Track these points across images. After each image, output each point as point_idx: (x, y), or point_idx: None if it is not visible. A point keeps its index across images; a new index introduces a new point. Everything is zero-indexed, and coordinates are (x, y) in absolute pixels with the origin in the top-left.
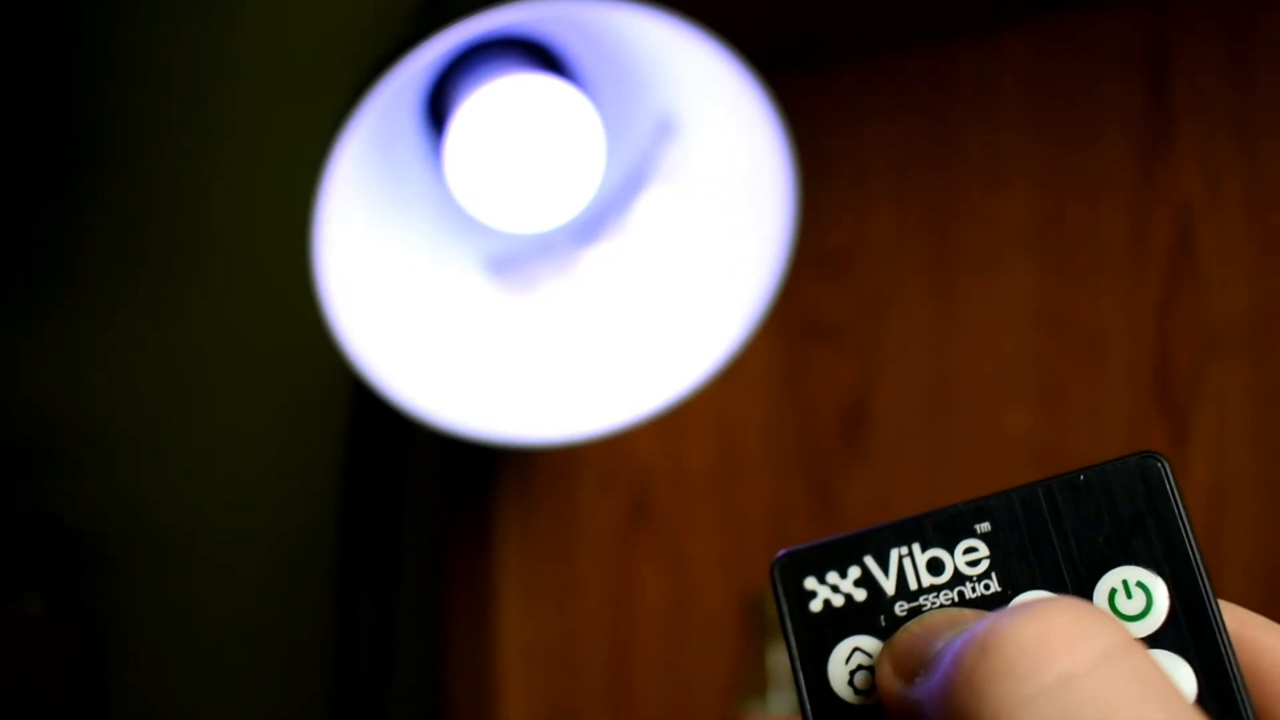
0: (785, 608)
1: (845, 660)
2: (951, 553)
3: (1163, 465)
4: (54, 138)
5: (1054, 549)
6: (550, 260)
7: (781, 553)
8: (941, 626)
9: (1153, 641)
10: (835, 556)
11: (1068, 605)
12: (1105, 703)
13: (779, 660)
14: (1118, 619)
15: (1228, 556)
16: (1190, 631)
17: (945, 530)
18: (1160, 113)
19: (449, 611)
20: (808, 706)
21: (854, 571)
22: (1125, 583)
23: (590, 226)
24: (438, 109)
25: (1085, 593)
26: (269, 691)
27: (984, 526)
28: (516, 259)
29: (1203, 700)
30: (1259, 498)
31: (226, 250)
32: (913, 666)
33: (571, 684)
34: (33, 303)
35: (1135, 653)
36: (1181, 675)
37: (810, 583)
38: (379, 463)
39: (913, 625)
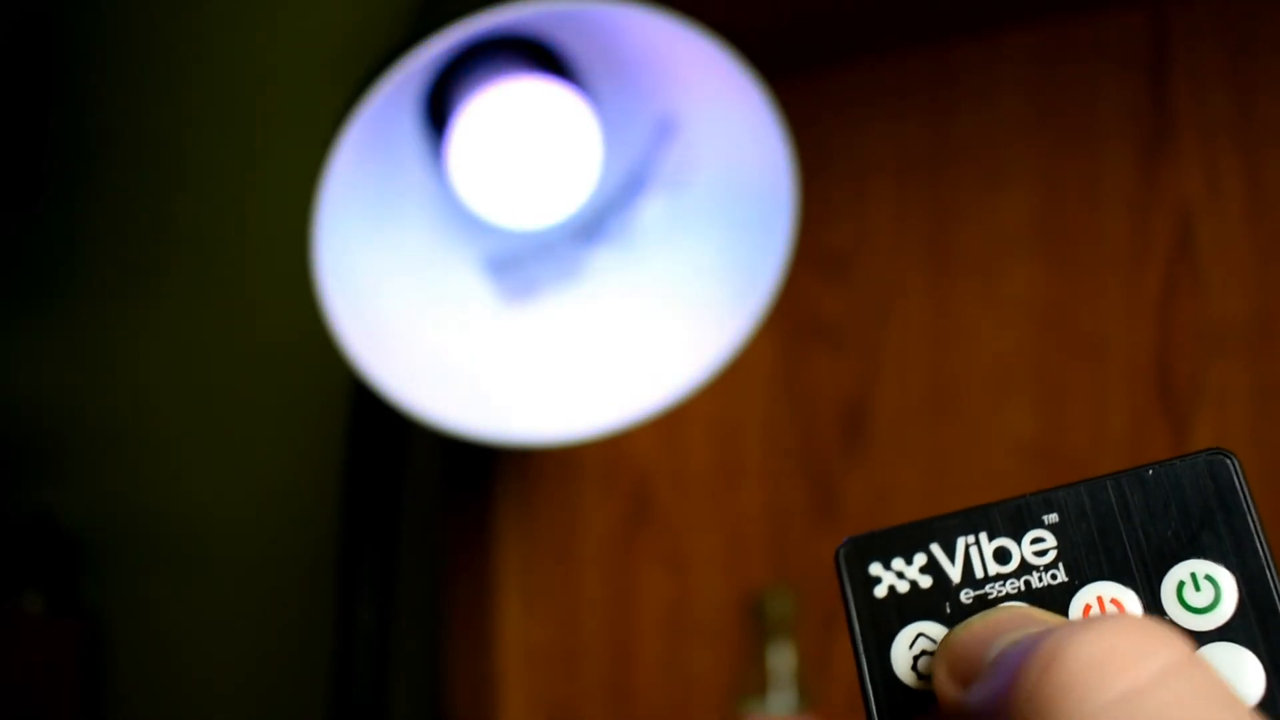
0: (850, 593)
1: (910, 645)
2: (1019, 542)
3: (1232, 462)
4: (55, 140)
5: (1122, 541)
6: (551, 261)
7: (847, 539)
8: (997, 629)
9: (1221, 634)
10: (901, 543)
11: (1130, 621)
12: (1169, 717)
13: (779, 660)
14: (1180, 634)
15: None
16: (1259, 625)
17: (1013, 520)
18: (1160, 114)
19: (449, 611)
20: (870, 691)
21: (920, 559)
22: (1194, 575)
23: (590, 227)
24: (438, 109)
25: (1154, 585)
26: (269, 691)
27: (1052, 518)
28: (517, 260)
29: (1271, 693)
30: (1259, 498)
31: (227, 251)
32: (968, 671)
33: (571, 684)
34: (33, 304)
35: (1198, 667)
36: (1249, 668)
37: (875, 568)
38: (379, 463)
39: (973, 624)
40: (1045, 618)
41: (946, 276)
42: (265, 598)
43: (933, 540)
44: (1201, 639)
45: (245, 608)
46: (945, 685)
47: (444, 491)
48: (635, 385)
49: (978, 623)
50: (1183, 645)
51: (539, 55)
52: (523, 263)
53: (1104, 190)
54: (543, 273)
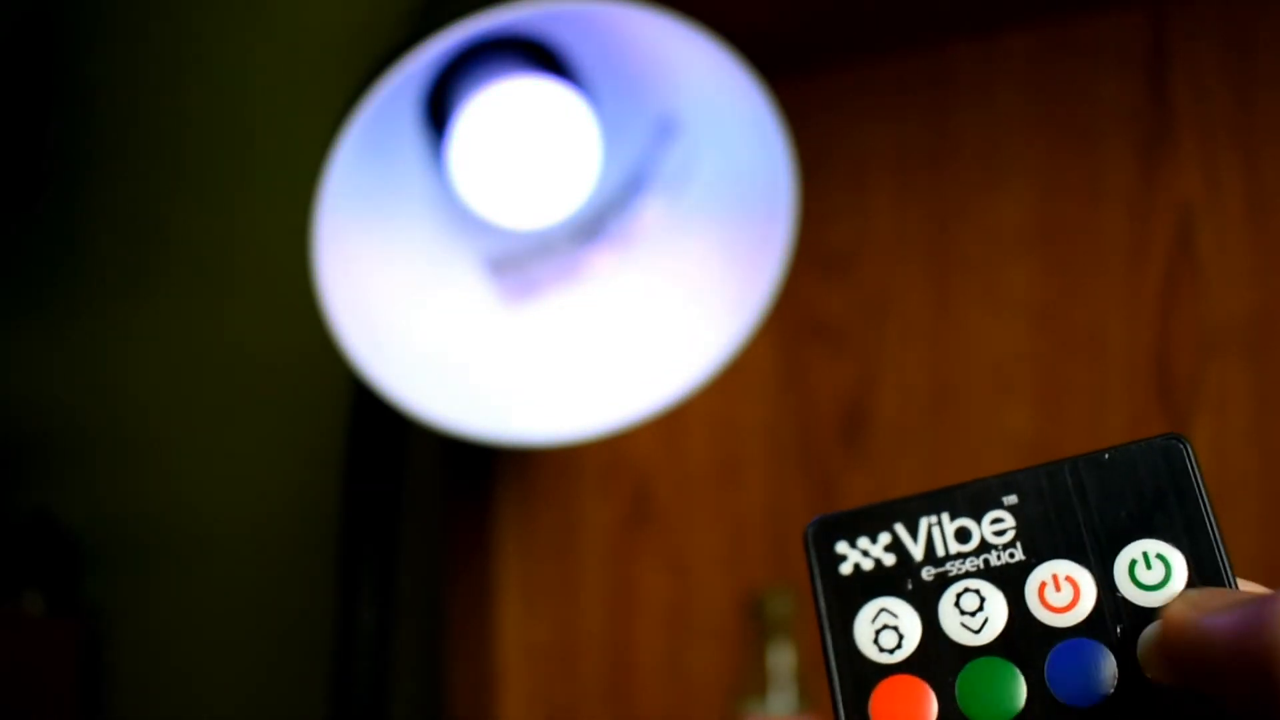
0: (816, 570)
1: (872, 619)
2: (979, 522)
3: (1185, 446)
4: (56, 141)
5: (1077, 521)
6: (551, 261)
7: (815, 518)
8: (1236, 590)
9: None
10: (867, 523)
11: None
12: None
13: (779, 660)
14: None
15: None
16: None
17: (974, 501)
18: (1160, 113)
19: (449, 611)
20: (833, 662)
21: (884, 538)
22: (1145, 554)
23: (590, 227)
24: (438, 109)
25: (1107, 563)
26: (269, 691)
27: (1011, 499)
28: (517, 260)
29: None
30: (1259, 498)
31: (226, 251)
32: (1211, 605)
33: (571, 684)
34: (34, 304)
35: None
36: None
37: (842, 547)
38: (379, 463)
39: (1203, 588)
40: None
41: (946, 276)
42: (265, 598)
43: (897, 520)
44: (1152, 614)
45: (245, 608)
46: (1183, 611)
47: (444, 491)
48: (635, 385)
49: (1221, 588)
50: None
51: (539, 55)
52: (523, 263)
53: (1104, 190)
54: (543, 273)
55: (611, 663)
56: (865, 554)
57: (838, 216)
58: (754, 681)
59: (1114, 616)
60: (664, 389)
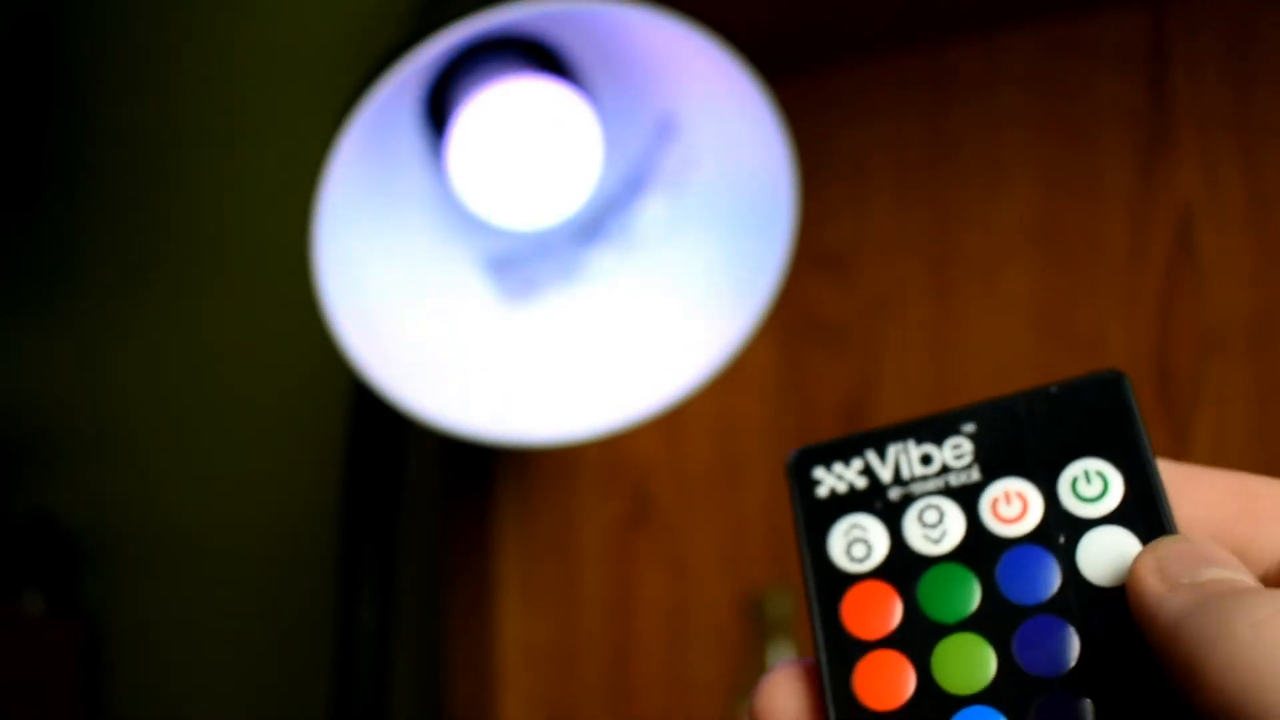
0: (796, 495)
1: (845, 534)
2: (940, 448)
3: (1124, 381)
4: (55, 140)
5: (1027, 445)
6: (551, 261)
7: (796, 450)
8: (1213, 558)
9: (1107, 520)
10: (841, 451)
11: None
12: None
13: (779, 660)
14: None
15: None
16: (1139, 510)
17: (937, 430)
18: (1160, 113)
19: (449, 611)
20: (810, 573)
21: (857, 464)
22: (1086, 472)
23: (590, 227)
24: (438, 109)
25: (1052, 479)
26: (269, 691)
27: (969, 427)
28: (517, 260)
29: None
30: None
31: (226, 251)
32: (1176, 574)
33: (571, 684)
34: (33, 304)
35: None
36: (1129, 546)
37: (819, 472)
38: (379, 463)
39: (1185, 539)
40: (1254, 582)
41: (946, 276)
42: (265, 598)
43: (868, 448)
44: (1090, 525)
45: (245, 607)
46: (1146, 572)
47: (444, 491)
48: (635, 385)
49: (1206, 543)
50: None
51: (539, 55)
52: (523, 263)
53: (1104, 189)
54: (543, 273)
55: (611, 663)
56: (840, 478)
57: (838, 216)
58: (754, 681)
59: (1058, 526)
60: (664, 389)
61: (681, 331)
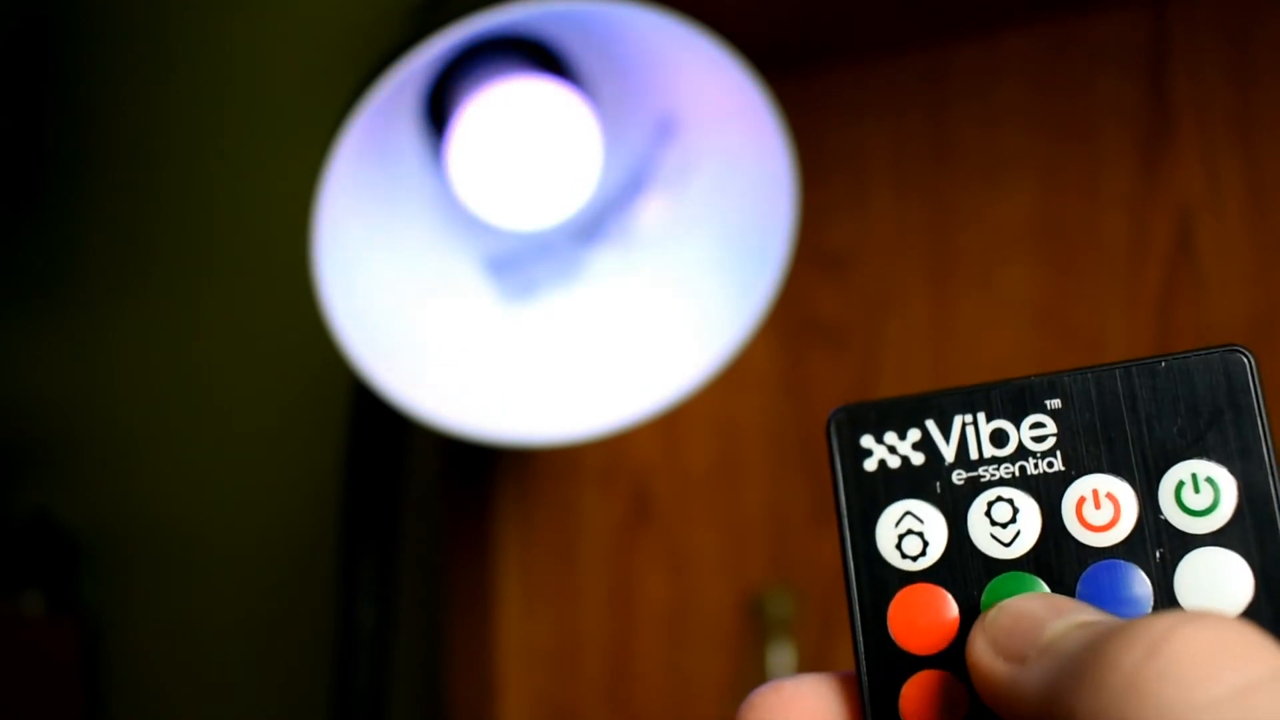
0: (839, 464)
1: (895, 523)
2: (1018, 426)
3: (1249, 360)
4: (55, 140)
5: (1125, 434)
6: (550, 262)
7: (839, 408)
8: (1057, 610)
9: (1214, 539)
10: (896, 417)
11: (1235, 622)
12: None
13: (779, 660)
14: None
15: None
16: (1254, 532)
17: (1014, 402)
18: (1160, 113)
19: (449, 611)
20: (852, 566)
21: (914, 434)
22: (1195, 476)
23: (590, 227)
24: (438, 109)
25: (1152, 482)
26: (268, 691)
27: (1054, 403)
28: (516, 260)
29: (1258, 601)
30: None
31: (226, 251)
32: (1019, 648)
33: (571, 684)
34: (33, 304)
35: None
36: (1238, 575)
37: (867, 440)
38: (379, 463)
39: (1024, 600)
40: (1104, 616)
41: (946, 276)
42: (265, 598)
43: (929, 416)
44: (1194, 542)
45: (245, 607)
46: (987, 659)
47: (444, 491)
48: (635, 385)
49: (1031, 600)
50: None
51: (539, 55)
52: (522, 263)
53: (1103, 189)
54: (543, 273)
55: (611, 663)
56: (892, 450)
57: (837, 215)
58: (754, 682)
59: (1154, 540)
60: (664, 389)
61: (681, 331)
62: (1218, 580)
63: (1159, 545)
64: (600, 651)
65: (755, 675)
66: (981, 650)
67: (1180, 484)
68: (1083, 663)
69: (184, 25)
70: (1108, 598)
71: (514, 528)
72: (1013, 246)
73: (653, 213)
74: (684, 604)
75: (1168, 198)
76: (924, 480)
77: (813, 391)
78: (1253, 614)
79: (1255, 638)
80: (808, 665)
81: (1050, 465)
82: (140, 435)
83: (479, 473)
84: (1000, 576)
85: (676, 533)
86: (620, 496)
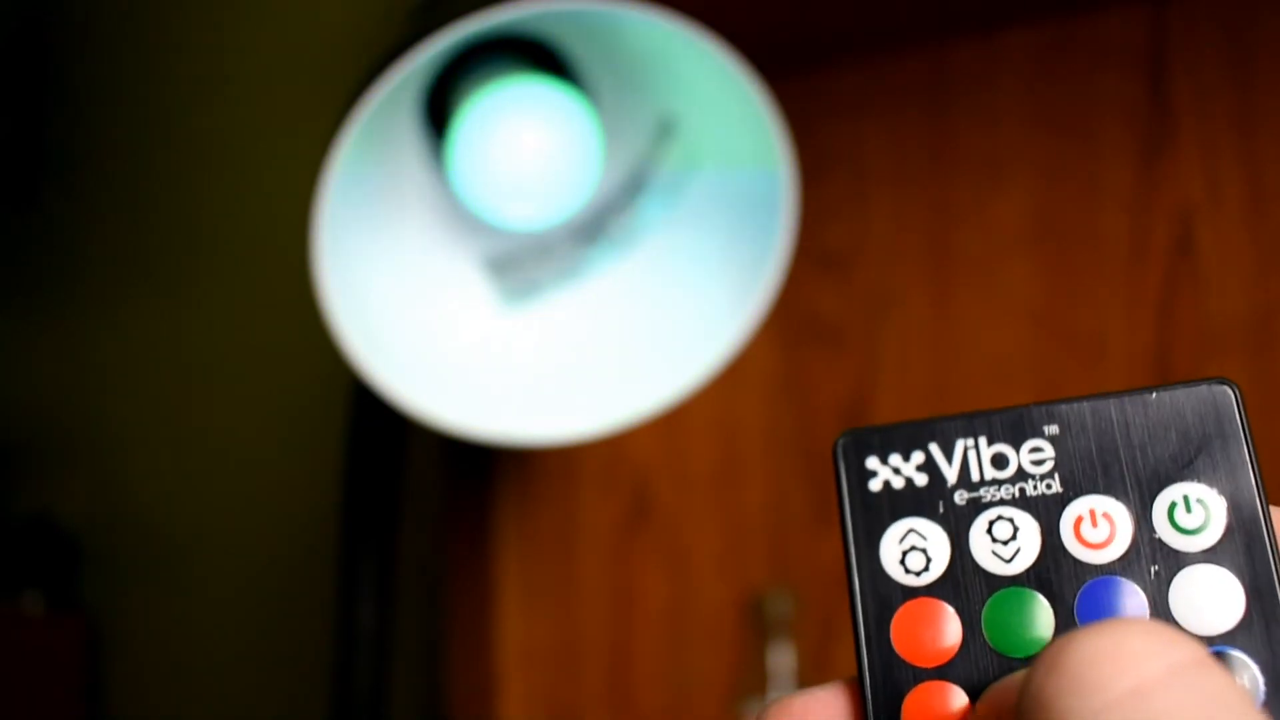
0: (844, 485)
1: (899, 540)
2: (1017, 450)
3: (1234, 391)
4: (54, 140)
5: (1119, 458)
6: (551, 262)
7: (846, 431)
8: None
9: (1207, 557)
10: (901, 440)
11: (1139, 622)
12: (1176, 716)
13: (779, 660)
14: (1190, 636)
15: None
16: (1244, 550)
17: (1013, 428)
18: (1160, 112)
19: (449, 611)
20: (857, 583)
21: (918, 456)
22: (1186, 498)
23: (591, 228)
24: (438, 109)
25: (1146, 503)
26: (268, 691)
27: (1052, 429)
28: (517, 261)
29: (1249, 615)
30: None
31: (226, 252)
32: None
33: (571, 684)
34: (33, 304)
35: (1207, 669)
36: (1230, 590)
37: (872, 462)
38: (379, 463)
39: (1014, 676)
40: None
41: (946, 276)
42: (265, 597)
43: (932, 439)
44: (1188, 559)
45: (245, 607)
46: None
47: (444, 491)
48: (635, 385)
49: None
50: (1192, 646)
51: (539, 55)
52: (523, 263)
53: (1104, 189)
54: (543, 273)
55: (611, 663)
56: (896, 471)
57: (837, 216)
58: (754, 681)
59: (1149, 558)
60: (664, 389)
61: (681, 331)
62: (1210, 595)
63: (1154, 562)
64: (600, 651)
65: (755, 675)
66: (980, 714)
67: (1173, 505)
68: (1014, 693)
69: (183, 26)
70: (1105, 612)
71: (514, 528)
72: (1012, 246)
73: (653, 213)
74: (684, 604)
75: (1168, 197)
76: (927, 500)
77: (812, 391)
78: (1245, 625)
79: (1154, 637)
80: (807, 665)
81: (1049, 487)
82: (140, 435)
83: (479, 473)
84: (1001, 591)
85: (676, 533)
86: (620, 496)
